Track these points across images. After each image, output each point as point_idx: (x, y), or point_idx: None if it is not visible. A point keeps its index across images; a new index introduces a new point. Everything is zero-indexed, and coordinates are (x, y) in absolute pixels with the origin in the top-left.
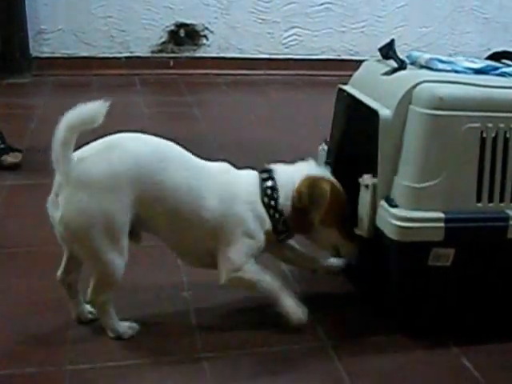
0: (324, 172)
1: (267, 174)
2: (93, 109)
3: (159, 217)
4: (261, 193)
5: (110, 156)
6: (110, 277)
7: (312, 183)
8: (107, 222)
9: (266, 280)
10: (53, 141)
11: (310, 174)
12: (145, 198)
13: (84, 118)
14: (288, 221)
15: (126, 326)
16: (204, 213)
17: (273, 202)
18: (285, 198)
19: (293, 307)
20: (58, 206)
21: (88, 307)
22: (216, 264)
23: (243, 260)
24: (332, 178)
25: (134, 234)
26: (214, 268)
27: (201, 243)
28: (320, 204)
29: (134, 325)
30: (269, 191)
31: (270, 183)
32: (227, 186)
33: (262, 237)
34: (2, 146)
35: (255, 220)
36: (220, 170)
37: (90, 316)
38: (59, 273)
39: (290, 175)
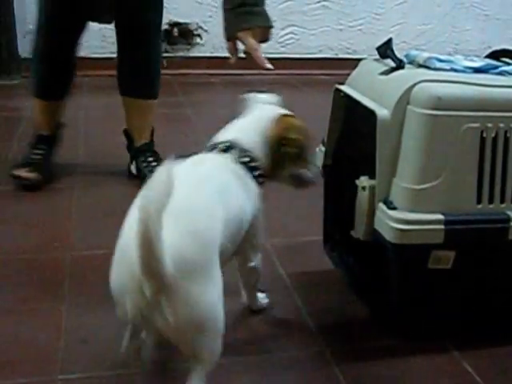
0: (276, 108)
1: (237, 149)
2: (164, 179)
3: (225, 254)
4: (245, 169)
5: (194, 226)
6: (219, 354)
7: (285, 127)
8: (221, 297)
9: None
10: (140, 241)
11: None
12: (223, 244)
13: (164, 195)
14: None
15: None
16: (247, 216)
17: (256, 173)
18: (254, 154)
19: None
20: (164, 310)
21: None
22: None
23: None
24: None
25: None
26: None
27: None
28: (297, 144)
29: None
30: (251, 164)
31: (246, 158)
32: (236, 183)
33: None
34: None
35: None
36: (225, 168)
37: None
38: (127, 344)
39: (252, 130)
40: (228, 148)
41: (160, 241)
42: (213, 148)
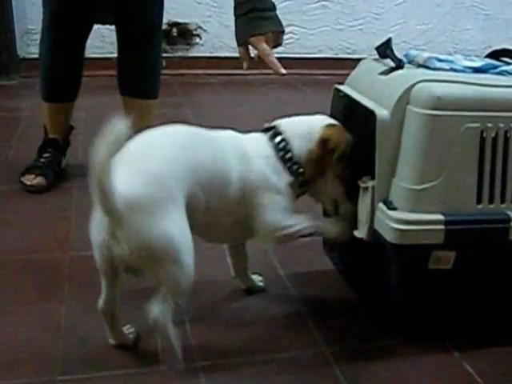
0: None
1: (273, 131)
2: (114, 132)
3: (200, 205)
4: (273, 148)
5: (146, 167)
6: (186, 283)
7: (337, 131)
8: (179, 232)
9: (307, 223)
10: (94, 184)
11: (331, 123)
12: (192, 190)
13: (113, 145)
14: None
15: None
16: (230, 176)
17: (288, 155)
18: (299, 149)
19: (334, 230)
20: (121, 241)
21: (125, 328)
22: (246, 234)
23: (280, 218)
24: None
25: None
26: (243, 240)
27: (233, 215)
28: (343, 150)
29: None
30: (281, 145)
31: (279, 138)
32: (240, 148)
33: (287, 189)
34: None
35: (274, 173)
36: (229, 136)
37: (131, 336)
38: (101, 303)
39: (300, 126)
40: (274, 134)
41: (109, 180)
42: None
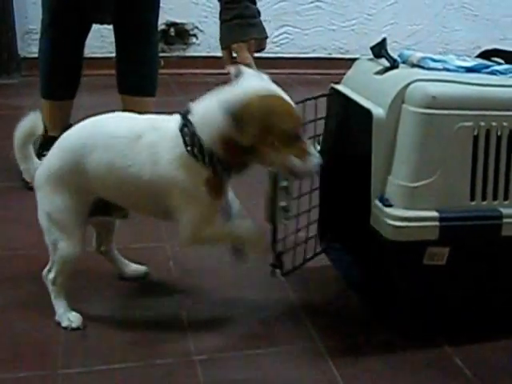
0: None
1: (183, 120)
2: (30, 122)
3: (110, 191)
4: (183, 142)
5: (49, 157)
6: (59, 255)
7: (252, 102)
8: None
9: (228, 232)
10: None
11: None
12: (85, 184)
13: (26, 131)
14: (224, 157)
15: (71, 314)
16: (140, 181)
17: (196, 148)
18: (209, 136)
19: (249, 236)
20: None
21: (132, 265)
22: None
23: (197, 225)
24: (267, 89)
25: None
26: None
27: (155, 205)
28: (264, 123)
29: (78, 318)
30: (187, 139)
31: (186, 130)
32: (152, 148)
33: (207, 185)
34: None
35: (188, 175)
36: (147, 128)
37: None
38: (95, 245)
39: (212, 106)
40: (184, 124)
41: (26, 159)
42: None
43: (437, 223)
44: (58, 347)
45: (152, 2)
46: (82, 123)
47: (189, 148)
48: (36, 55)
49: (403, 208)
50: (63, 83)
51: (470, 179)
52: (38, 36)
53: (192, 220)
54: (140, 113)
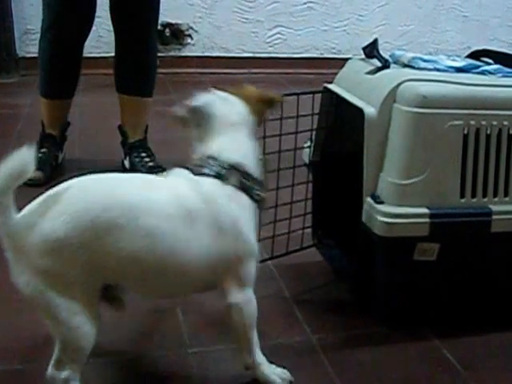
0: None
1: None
2: (19, 162)
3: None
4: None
5: (50, 217)
6: (78, 348)
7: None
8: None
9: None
10: None
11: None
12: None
13: (13, 175)
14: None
15: None
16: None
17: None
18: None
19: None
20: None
21: None
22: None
23: (251, 280)
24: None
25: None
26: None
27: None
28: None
29: None
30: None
31: (246, 182)
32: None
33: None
34: None
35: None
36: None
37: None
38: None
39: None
40: (229, 171)
41: (8, 204)
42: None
43: (427, 220)
44: (52, 340)
45: (152, 2)
46: (97, 183)
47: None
48: (34, 55)
49: (394, 205)
50: (62, 83)
51: (459, 177)
52: (36, 36)
53: (252, 272)
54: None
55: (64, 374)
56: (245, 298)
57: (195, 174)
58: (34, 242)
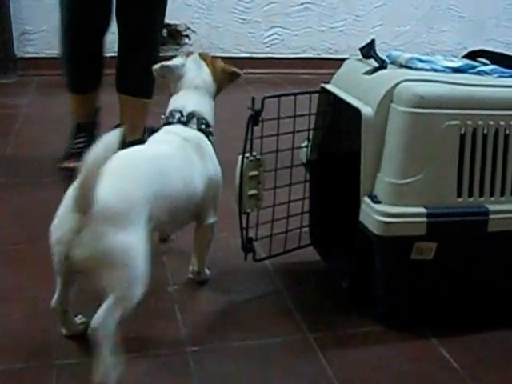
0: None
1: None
2: (108, 141)
3: (163, 217)
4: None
5: (122, 184)
6: (136, 296)
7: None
8: (137, 248)
9: None
10: (78, 181)
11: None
12: (156, 211)
13: (105, 151)
14: None
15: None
16: (196, 193)
17: (211, 137)
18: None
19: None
20: (83, 244)
21: (77, 319)
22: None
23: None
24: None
25: None
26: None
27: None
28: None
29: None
30: (203, 127)
31: (198, 124)
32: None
33: None
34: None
35: (213, 157)
36: (183, 142)
37: (82, 327)
38: (55, 302)
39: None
40: (189, 119)
41: (93, 184)
42: (176, 119)
43: (424, 219)
44: (52, 339)
45: (158, 3)
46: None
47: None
48: (32, 55)
49: (391, 204)
50: (87, 78)
51: (456, 176)
52: (33, 37)
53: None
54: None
55: (111, 324)
56: (215, 220)
57: (163, 124)
58: (117, 206)
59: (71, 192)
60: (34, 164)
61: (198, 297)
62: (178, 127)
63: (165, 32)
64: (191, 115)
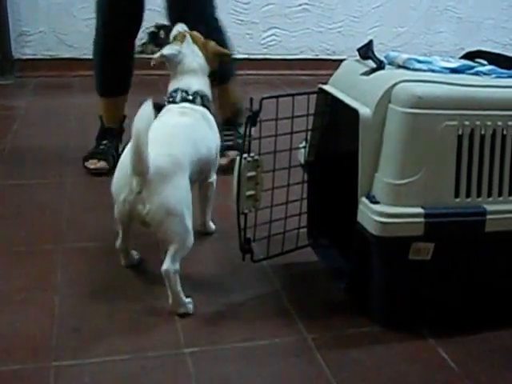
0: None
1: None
2: (147, 112)
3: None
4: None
5: (171, 151)
6: (190, 242)
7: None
8: (187, 199)
9: None
10: (132, 149)
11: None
12: (192, 169)
13: (148, 121)
14: None
15: (188, 302)
16: (212, 152)
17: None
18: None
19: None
20: (144, 201)
21: (134, 254)
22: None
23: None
24: (189, 33)
25: None
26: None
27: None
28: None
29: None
30: (206, 103)
31: (202, 102)
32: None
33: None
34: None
35: (216, 128)
36: (195, 114)
37: (137, 258)
38: (119, 245)
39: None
40: (194, 97)
41: (146, 150)
42: (180, 97)
43: (422, 219)
44: (51, 340)
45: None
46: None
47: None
48: (29, 57)
49: (389, 205)
50: (117, 82)
51: (454, 177)
52: (31, 38)
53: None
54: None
55: (177, 266)
56: (215, 179)
57: (169, 102)
58: (171, 163)
59: (124, 158)
60: (31, 165)
61: (195, 298)
62: (188, 104)
63: (162, 33)
64: (196, 94)
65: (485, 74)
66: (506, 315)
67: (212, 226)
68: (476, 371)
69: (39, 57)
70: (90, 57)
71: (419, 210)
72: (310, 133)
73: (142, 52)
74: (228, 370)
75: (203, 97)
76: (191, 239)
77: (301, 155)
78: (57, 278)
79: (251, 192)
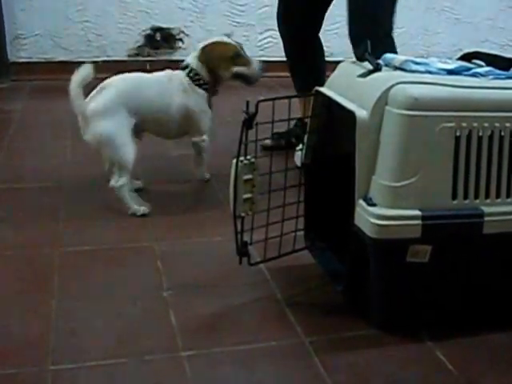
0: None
1: (189, 68)
2: (85, 70)
3: (148, 120)
4: (188, 79)
5: (104, 93)
6: (127, 161)
7: (205, 50)
8: (116, 131)
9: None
10: (70, 94)
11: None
12: (135, 112)
13: (83, 75)
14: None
15: (138, 206)
16: (172, 106)
17: (200, 81)
18: (203, 72)
19: None
20: (88, 132)
21: (137, 182)
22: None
23: (206, 129)
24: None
25: (137, 134)
26: (182, 136)
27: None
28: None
29: (146, 207)
30: (191, 75)
31: (188, 71)
32: (180, 86)
33: (206, 106)
34: None
35: (197, 97)
36: (171, 75)
37: (139, 182)
38: (107, 169)
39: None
40: (184, 67)
41: (78, 98)
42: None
43: (419, 222)
44: (48, 344)
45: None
46: (122, 76)
47: (195, 82)
48: (25, 60)
49: (386, 207)
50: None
51: (451, 178)
52: (27, 41)
53: (206, 123)
54: None
55: (121, 180)
56: (203, 138)
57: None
58: (99, 106)
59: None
60: (28, 168)
61: (192, 301)
62: (176, 71)
63: (158, 36)
64: (186, 65)
65: (482, 75)
66: (504, 317)
67: (206, 175)
68: (474, 374)
69: (35, 60)
70: (86, 59)
71: (416, 213)
72: (306, 135)
73: (137, 55)
74: (225, 373)
75: (192, 70)
76: (126, 158)
77: (297, 157)
78: (54, 281)
79: (248, 195)
